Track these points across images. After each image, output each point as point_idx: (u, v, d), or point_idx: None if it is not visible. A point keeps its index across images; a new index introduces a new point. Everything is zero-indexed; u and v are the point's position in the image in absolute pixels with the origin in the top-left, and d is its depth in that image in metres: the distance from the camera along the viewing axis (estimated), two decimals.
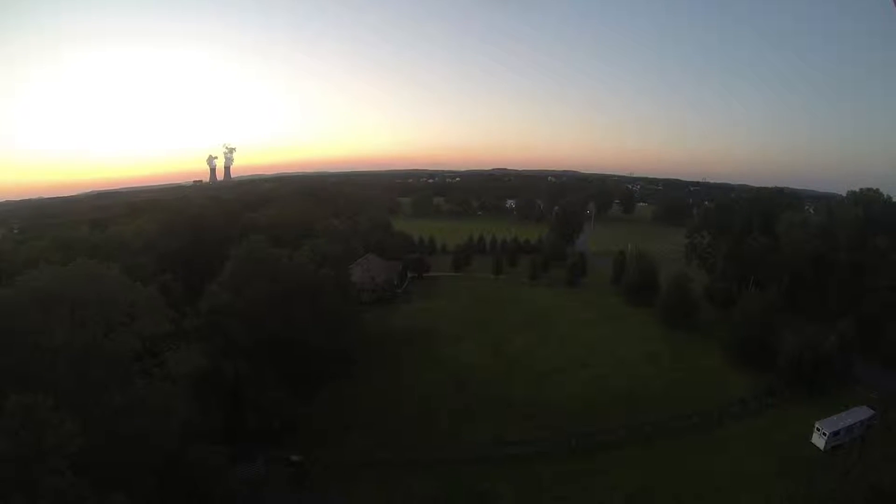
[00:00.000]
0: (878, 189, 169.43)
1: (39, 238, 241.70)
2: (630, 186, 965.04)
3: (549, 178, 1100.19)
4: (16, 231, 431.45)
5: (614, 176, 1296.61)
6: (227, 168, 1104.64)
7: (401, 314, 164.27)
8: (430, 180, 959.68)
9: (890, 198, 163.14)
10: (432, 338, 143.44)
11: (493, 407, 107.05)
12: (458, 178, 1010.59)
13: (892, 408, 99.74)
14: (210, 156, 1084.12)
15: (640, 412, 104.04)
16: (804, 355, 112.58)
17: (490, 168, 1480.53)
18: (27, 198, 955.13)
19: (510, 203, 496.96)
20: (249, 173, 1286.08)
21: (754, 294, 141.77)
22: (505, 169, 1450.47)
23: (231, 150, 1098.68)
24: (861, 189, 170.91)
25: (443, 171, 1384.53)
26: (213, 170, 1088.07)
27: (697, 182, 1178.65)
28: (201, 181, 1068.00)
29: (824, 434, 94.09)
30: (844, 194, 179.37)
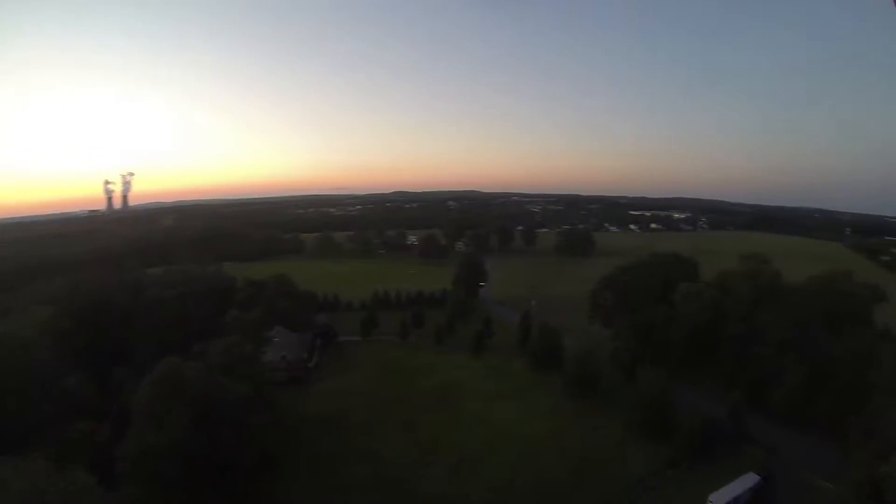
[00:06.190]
0: (766, 260, 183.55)
1: None
2: (531, 208, 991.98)
3: (449, 201, 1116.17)
4: None
5: (514, 195, 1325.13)
6: (124, 196, 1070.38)
7: (314, 396, 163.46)
8: (331, 209, 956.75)
9: (778, 273, 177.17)
10: (347, 423, 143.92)
11: None
12: (358, 207, 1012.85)
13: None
14: (106, 181, 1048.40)
15: (550, 500, 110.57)
16: (699, 427, 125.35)
17: (390, 191, 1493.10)
18: None
19: (412, 239, 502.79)
20: (148, 201, 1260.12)
21: (652, 368, 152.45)
22: (405, 191, 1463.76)
23: (129, 175, 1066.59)
24: (750, 260, 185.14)
25: (343, 195, 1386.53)
26: (109, 198, 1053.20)
27: (597, 197, 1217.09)
28: (98, 211, 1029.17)
29: None
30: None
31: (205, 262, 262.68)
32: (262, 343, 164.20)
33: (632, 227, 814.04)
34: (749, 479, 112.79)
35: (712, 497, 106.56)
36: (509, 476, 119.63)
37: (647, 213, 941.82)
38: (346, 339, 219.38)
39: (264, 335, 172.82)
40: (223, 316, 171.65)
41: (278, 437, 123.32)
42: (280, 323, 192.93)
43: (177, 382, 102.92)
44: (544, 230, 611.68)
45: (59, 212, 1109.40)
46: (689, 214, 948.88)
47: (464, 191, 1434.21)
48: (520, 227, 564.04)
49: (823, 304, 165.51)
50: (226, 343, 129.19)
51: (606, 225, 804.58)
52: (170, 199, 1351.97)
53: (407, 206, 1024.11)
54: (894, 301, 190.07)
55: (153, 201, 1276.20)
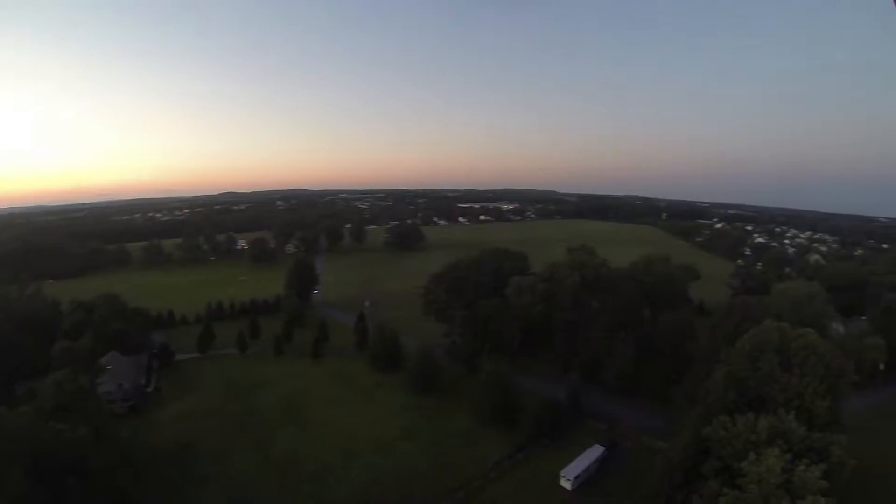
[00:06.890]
0: (592, 251, 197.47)
1: None
2: (359, 205, 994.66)
3: (278, 201, 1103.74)
4: None
5: (342, 191, 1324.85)
6: None
7: (157, 423, 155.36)
8: (157, 214, 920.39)
9: (605, 261, 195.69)
10: (196, 449, 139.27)
11: None
12: (186, 210, 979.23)
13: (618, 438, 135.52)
14: None
15: (415, 497, 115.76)
16: (542, 409, 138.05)
17: (218, 192, 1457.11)
18: None
19: (241, 243, 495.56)
20: None
21: (492, 359, 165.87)
22: (233, 192, 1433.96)
23: None
24: (577, 251, 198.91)
25: (170, 198, 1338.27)
26: None
27: (425, 191, 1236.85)
28: None
29: (568, 479, 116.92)
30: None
31: (21, 284, 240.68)
32: (96, 373, 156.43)
33: (461, 219, 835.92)
34: (595, 451, 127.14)
35: (564, 472, 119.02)
36: (371, 477, 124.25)
37: (476, 206, 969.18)
38: (185, 357, 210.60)
39: (97, 364, 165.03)
40: (49, 347, 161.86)
41: (126, 476, 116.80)
42: (113, 348, 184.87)
43: (3, 436, 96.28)
44: (373, 227, 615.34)
45: None
46: (517, 205, 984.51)
47: (291, 189, 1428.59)
48: (348, 225, 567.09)
49: (645, 287, 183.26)
50: (55, 379, 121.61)
51: (436, 219, 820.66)
52: None
53: (236, 207, 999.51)
54: (707, 278, 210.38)
55: None
